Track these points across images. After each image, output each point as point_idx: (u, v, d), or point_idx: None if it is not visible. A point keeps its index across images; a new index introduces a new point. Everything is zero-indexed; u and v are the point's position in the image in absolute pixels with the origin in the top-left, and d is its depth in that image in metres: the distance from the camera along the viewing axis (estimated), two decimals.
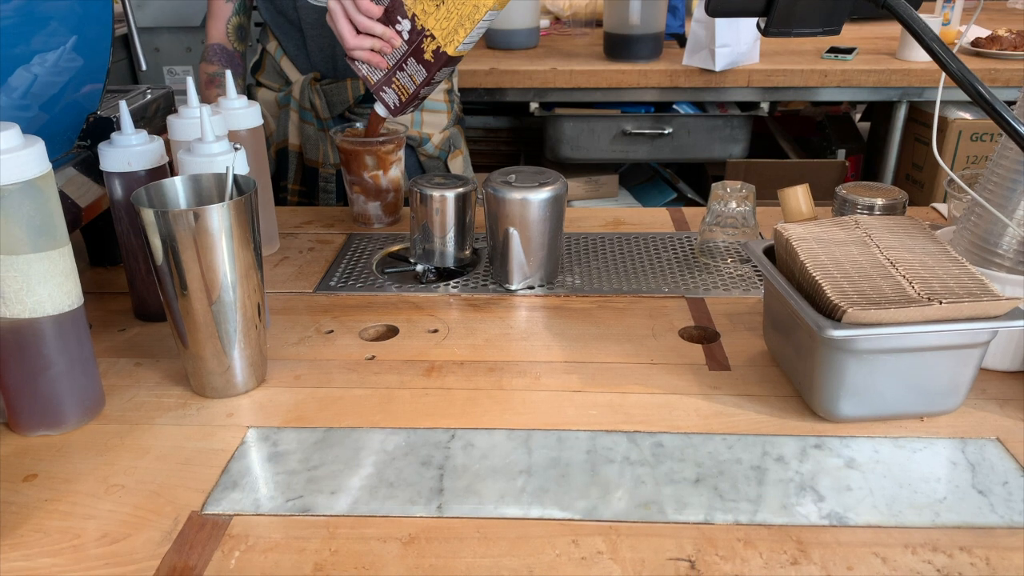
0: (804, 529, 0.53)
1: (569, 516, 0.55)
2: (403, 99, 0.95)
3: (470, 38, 0.90)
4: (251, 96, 1.26)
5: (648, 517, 0.54)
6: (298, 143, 1.23)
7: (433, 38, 0.90)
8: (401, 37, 0.92)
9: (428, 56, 0.91)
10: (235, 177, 0.67)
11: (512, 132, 2.31)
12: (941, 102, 1.88)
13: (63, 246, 0.60)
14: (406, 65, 0.93)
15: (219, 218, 0.61)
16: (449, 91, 1.28)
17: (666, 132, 1.95)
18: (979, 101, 0.57)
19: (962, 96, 1.95)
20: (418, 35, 0.91)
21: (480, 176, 1.13)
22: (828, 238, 0.67)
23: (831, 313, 0.59)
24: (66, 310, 0.61)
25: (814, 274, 0.62)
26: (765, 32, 0.63)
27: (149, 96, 0.92)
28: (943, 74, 0.62)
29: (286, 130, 1.22)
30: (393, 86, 0.95)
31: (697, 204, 2.10)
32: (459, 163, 1.30)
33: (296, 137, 1.22)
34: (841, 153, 2.22)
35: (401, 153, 1.03)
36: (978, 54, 1.91)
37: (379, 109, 0.98)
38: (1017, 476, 0.58)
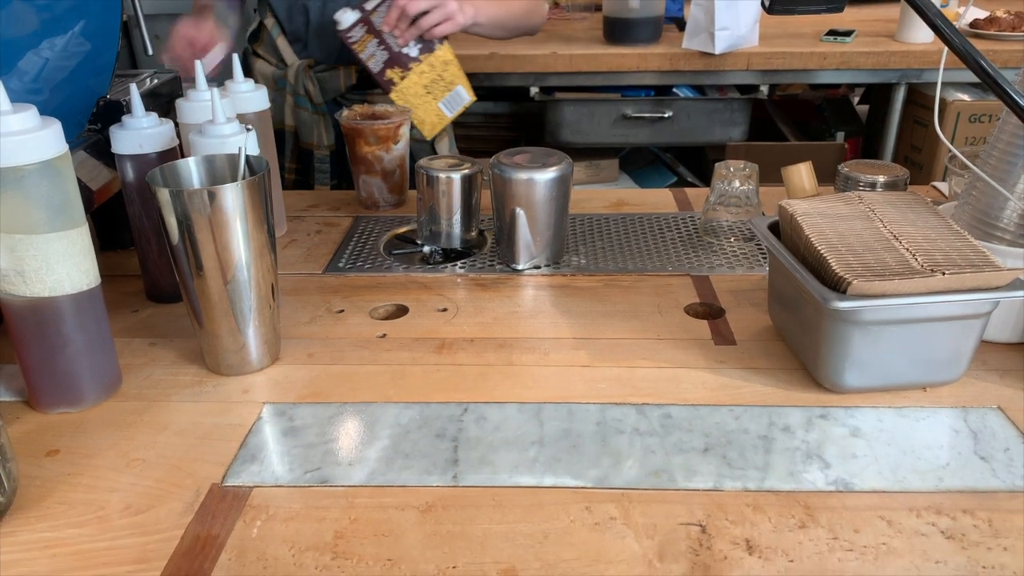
0: (811, 495, 0.55)
1: (582, 484, 0.56)
2: (365, 38, 1.12)
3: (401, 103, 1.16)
4: (247, 64, 1.27)
5: (659, 484, 0.56)
6: (294, 124, 1.25)
7: (396, 82, 1.17)
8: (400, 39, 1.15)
9: (388, 76, 1.16)
10: (247, 158, 0.68)
11: (512, 117, 2.32)
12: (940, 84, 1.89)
13: (81, 226, 0.61)
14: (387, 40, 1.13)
15: (234, 197, 0.62)
16: None
17: (666, 116, 1.95)
18: (981, 74, 0.58)
19: (961, 78, 1.96)
20: (403, 58, 1.16)
21: (484, 160, 1.14)
22: (832, 213, 0.68)
23: (836, 286, 0.61)
24: (84, 289, 0.62)
25: (819, 247, 0.63)
26: (770, 10, 0.64)
27: (157, 80, 0.92)
28: (945, 50, 0.63)
29: (282, 112, 1.24)
30: (374, 37, 1.13)
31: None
32: (444, 146, 1.32)
33: (292, 119, 1.25)
34: (840, 136, 2.23)
35: (405, 131, 1.03)
36: (976, 35, 1.92)
37: (346, 17, 1.11)
38: (1018, 443, 0.59)
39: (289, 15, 1.22)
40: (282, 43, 1.24)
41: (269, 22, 1.25)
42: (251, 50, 1.29)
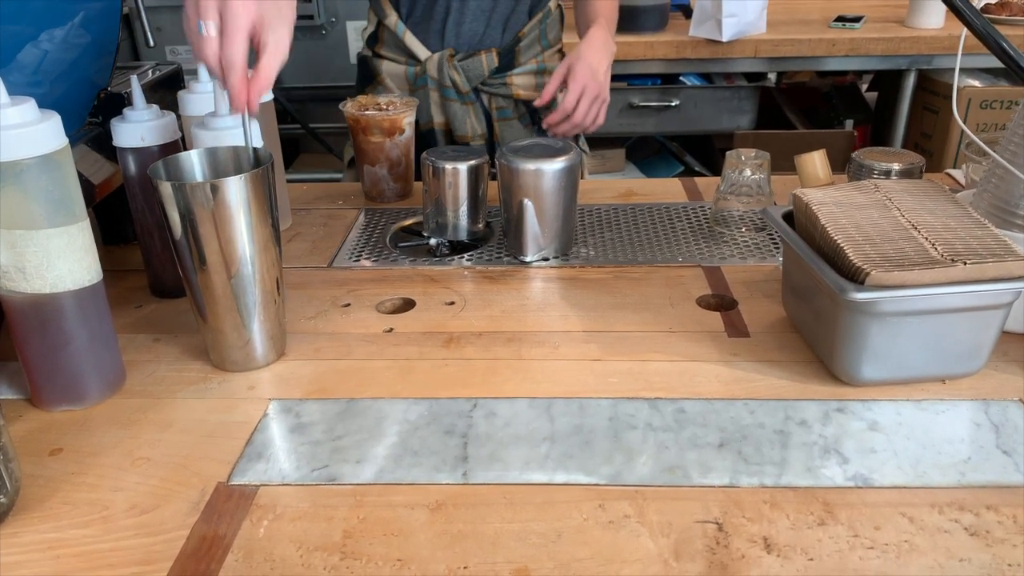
0: (830, 491, 0.53)
1: (594, 481, 0.55)
2: None
3: None
4: (370, 68, 1.21)
5: (673, 481, 0.55)
6: (444, 120, 1.19)
7: None
8: None
9: None
10: (250, 151, 0.66)
11: None
12: (952, 70, 1.87)
13: (82, 220, 0.60)
14: None
15: (237, 190, 0.61)
16: (561, 51, 1.24)
17: (673, 104, 1.94)
18: (1003, 56, 0.56)
19: (972, 63, 1.93)
20: None
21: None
22: (848, 202, 0.67)
23: (853, 276, 0.59)
24: (86, 284, 0.61)
25: (835, 238, 0.61)
26: None
27: (159, 72, 0.91)
28: (963, 32, 0.62)
29: (428, 111, 1.19)
30: None
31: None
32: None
33: (441, 115, 1.19)
34: (849, 123, 2.21)
35: (409, 122, 1.02)
36: (989, 21, 1.89)
37: None
38: None
39: (421, 8, 1.16)
40: (410, 39, 1.17)
41: (391, 20, 1.18)
42: (372, 53, 1.23)
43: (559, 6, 1.22)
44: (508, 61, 1.16)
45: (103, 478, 0.56)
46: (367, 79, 1.22)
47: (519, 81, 1.18)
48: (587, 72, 1.06)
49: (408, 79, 1.18)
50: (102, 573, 0.49)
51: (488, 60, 1.16)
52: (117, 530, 0.52)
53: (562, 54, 1.24)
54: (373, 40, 1.23)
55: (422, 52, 1.17)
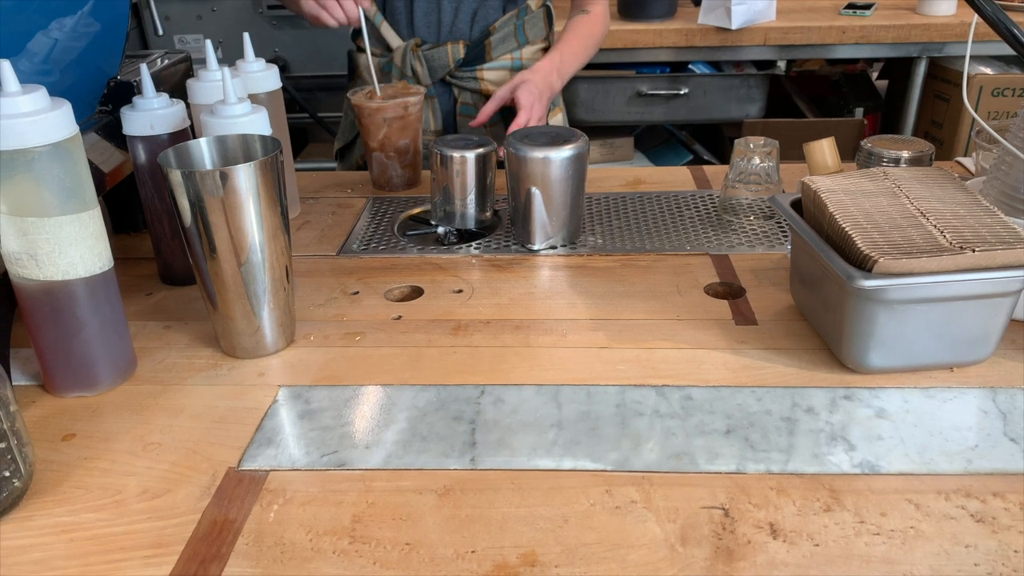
0: (836, 477, 0.53)
1: (601, 467, 0.55)
2: None
3: None
4: (351, 61, 1.22)
5: (680, 467, 0.55)
6: None
7: None
8: None
9: None
10: (259, 139, 0.67)
11: None
12: (963, 57, 1.85)
13: (93, 208, 0.60)
14: None
15: (246, 178, 0.61)
16: (546, 48, 1.21)
17: (682, 93, 1.93)
18: (1013, 43, 0.56)
19: (984, 51, 1.92)
20: None
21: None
22: (857, 190, 0.67)
23: (861, 264, 0.59)
24: (97, 272, 0.61)
25: (844, 225, 0.61)
26: None
27: (168, 61, 0.91)
28: (975, 19, 0.61)
29: None
30: None
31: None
32: (558, 121, 1.25)
33: None
34: (859, 112, 2.19)
35: (418, 111, 1.02)
36: (1001, 8, 1.88)
37: None
38: None
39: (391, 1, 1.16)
40: (386, 29, 1.17)
41: (371, 11, 1.17)
42: (356, 47, 1.23)
43: (545, 5, 1.20)
44: (477, 54, 1.15)
45: (115, 463, 0.57)
46: (351, 74, 1.24)
47: (491, 76, 1.17)
48: (534, 94, 1.05)
49: (381, 70, 1.18)
50: (115, 556, 0.49)
51: (454, 52, 1.15)
52: (129, 514, 0.52)
53: (547, 52, 1.20)
54: (356, 33, 1.23)
55: (395, 42, 1.17)
